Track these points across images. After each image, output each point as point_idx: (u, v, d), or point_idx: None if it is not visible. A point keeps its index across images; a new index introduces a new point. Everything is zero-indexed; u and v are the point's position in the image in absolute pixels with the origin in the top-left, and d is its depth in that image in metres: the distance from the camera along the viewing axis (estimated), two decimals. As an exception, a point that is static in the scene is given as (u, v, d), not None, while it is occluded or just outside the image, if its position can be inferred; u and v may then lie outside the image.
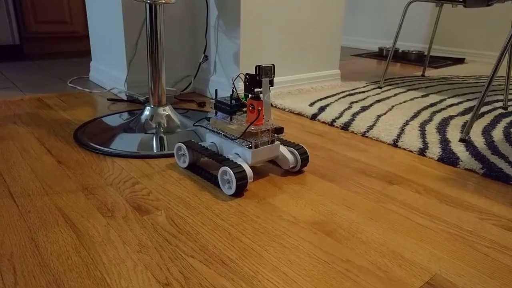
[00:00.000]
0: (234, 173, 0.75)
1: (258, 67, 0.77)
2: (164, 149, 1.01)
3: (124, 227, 0.67)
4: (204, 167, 0.88)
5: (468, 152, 1.00)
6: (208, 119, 0.89)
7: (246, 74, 0.80)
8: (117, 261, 0.58)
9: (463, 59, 2.59)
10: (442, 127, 1.19)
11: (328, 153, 1.02)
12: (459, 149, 1.02)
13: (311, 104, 1.40)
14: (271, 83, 0.80)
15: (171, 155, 0.98)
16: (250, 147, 0.79)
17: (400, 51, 2.73)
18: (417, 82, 1.87)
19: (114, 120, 1.23)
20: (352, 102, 1.44)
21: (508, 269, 0.59)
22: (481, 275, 0.58)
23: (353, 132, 1.18)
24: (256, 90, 0.79)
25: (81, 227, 0.66)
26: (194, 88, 1.59)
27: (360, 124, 1.20)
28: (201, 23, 1.50)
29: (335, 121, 1.24)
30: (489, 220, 0.72)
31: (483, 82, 1.90)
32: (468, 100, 1.54)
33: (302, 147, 0.89)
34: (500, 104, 1.48)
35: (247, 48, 1.38)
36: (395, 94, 1.60)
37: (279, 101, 1.43)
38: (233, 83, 0.83)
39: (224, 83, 1.46)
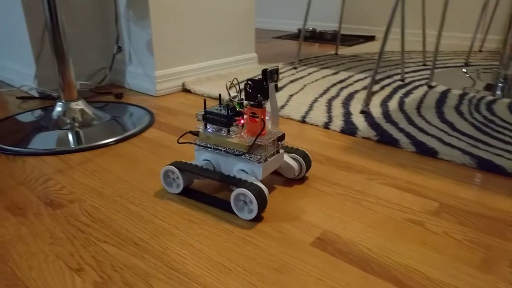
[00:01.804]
0: (254, 195, 0.66)
1: (265, 71, 0.68)
2: (82, 143, 1.01)
3: (35, 223, 0.68)
4: (200, 190, 0.78)
5: (366, 122, 1.12)
6: (194, 133, 0.78)
7: (248, 80, 0.70)
8: (28, 255, 0.60)
9: (374, 36, 2.79)
10: (347, 101, 1.31)
11: (242, 133, 1.08)
12: (358, 120, 1.13)
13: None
14: (276, 88, 0.72)
15: (89, 149, 0.98)
16: (260, 162, 0.71)
17: (317, 31, 2.86)
18: (330, 60, 2.00)
19: (25, 119, 1.19)
20: (268, 84, 1.52)
21: (386, 218, 0.69)
22: (364, 226, 0.67)
23: (266, 112, 1.25)
24: (259, 97, 0.70)
25: (-10, 228, 0.66)
26: (112, 80, 1.57)
27: (273, 104, 1.27)
28: (112, 13, 1.47)
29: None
30: (376, 180, 0.83)
31: (388, 57, 2.08)
32: (372, 75, 1.69)
33: (304, 151, 0.82)
34: (399, 76, 1.64)
35: (160, 36, 1.39)
36: (309, 74, 1.70)
37: (198, 87, 1.46)
38: (228, 92, 0.71)
39: (140, 73, 1.46)
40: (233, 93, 0.72)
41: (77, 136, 1.05)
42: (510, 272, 0.56)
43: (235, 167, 0.74)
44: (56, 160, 0.92)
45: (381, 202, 0.75)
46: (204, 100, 0.74)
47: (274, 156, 0.75)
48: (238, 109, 0.73)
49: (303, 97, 1.35)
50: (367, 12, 2.89)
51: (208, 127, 0.75)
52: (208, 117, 0.74)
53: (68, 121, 1.10)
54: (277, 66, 0.71)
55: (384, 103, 1.29)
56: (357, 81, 1.58)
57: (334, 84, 1.53)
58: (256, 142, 0.70)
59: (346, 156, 0.95)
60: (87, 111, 1.13)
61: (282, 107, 1.26)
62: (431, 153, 0.93)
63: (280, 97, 1.35)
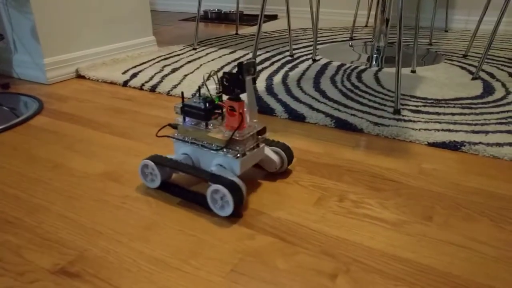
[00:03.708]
0: (230, 192, 0.64)
1: (240, 64, 0.66)
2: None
3: None
4: (179, 185, 0.76)
5: (250, 96, 1.22)
6: (173, 126, 0.76)
7: (224, 72, 0.69)
8: None
9: (276, 15, 2.92)
10: (237, 78, 1.40)
11: (133, 114, 1.12)
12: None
13: (124, 72, 1.47)
14: (254, 81, 0.70)
15: (-34, 141, 0.96)
16: (238, 157, 0.69)
17: (223, 12, 2.92)
18: (230, 40, 2.08)
19: None
20: (165, 66, 1.56)
21: (249, 177, 0.80)
22: (229, 184, 0.77)
23: (159, 92, 1.30)
24: (236, 90, 0.69)
25: None
26: (-2, 70, 1.50)
27: (166, 85, 1.33)
28: (-11, -1, 1.40)
29: (144, 85, 1.34)
30: (249, 145, 0.93)
31: (285, 35, 2.21)
32: (266, 52, 1.80)
33: (285, 144, 0.80)
34: (289, 52, 1.77)
35: (44, 22, 1.36)
36: (207, 54, 1.76)
37: (92, 73, 1.46)
38: (205, 84, 0.71)
39: (28, 61, 1.42)
40: (212, 85, 0.72)
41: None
42: (336, 205, 0.69)
43: (213, 162, 0.72)
44: None
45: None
46: (182, 93, 0.74)
47: (254, 150, 0.72)
48: (217, 102, 0.71)
49: (196, 76, 1.42)
50: (269, -8, 3.00)
51: (186, 120, 0.74)
52: (186, 110, 0.72)
53: None
54: (254, 59, 0.68)
55: (270, 78, 1.40)
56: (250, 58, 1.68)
57: (229, 63, 1.61)
58: (233, 137, 0.68)
59: (227, 127, 1.03)
60: (-36, 103, 1.09)
61: (175, 86, 1.31)
62: (300, 118, 1.06)
63: (175, 78, 1.40)
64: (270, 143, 0.81)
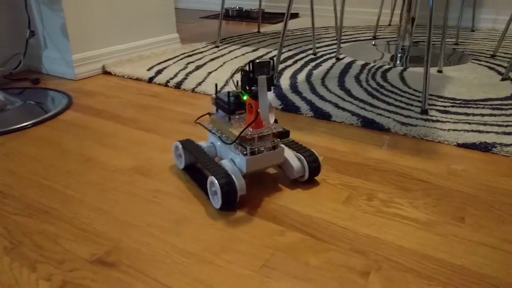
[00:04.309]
0: (220, 185, 0.65)
1: (252, 63, 0.64)
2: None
3: None
4: (201, 171, 0.80)
5: (274, 94, 1.22)
6: (211, 115, 0.79)
7: (242, 69, 0.68)
8: None
9: (297, 13, 2.91)
10: (260, 76, 1.40)
11: (158, 110, 1.14)
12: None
13: (149, 69, 1.49)
14: (270, 81, 0.67)
15: (2, 133, 0.99)
16: (245, 154, 0.69)
17: (244, 10, 2.92)
18: (252, 38, 2.08)
19: None
20: (189, 63, 1.58)
21: (278, 174, 0.80)
22: (253, 182, 0.77)
23: (184, 89, 1.32)
24: (253, 88, 0.67)
25: None
26: (28, 66, 1.54)
27: (191, 82, 1.34)
28: (21, -4, 1.44)
29: (169, 82, 1.36)
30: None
31: (308, 33, 2.21)
32: (289, 50, 1.80)
33: (312, 152, 0.75)
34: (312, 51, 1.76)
35: (74, 19, 1.39)
36: (230, 52, 1.77)
37: (118, 69, 1.48)
38: (232, 79, 0.72)
39: (57, 57, 1.45)
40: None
41: (-10, 123, 1.05)
42: (365, 204, 0.69)
43: (228, 156, 0.74)
44: (-32, 147, 0.93)
45: (276, 160, 0.85)
46: (216, 85, 0.76)
47: (269, 152, 0.70)
48: (245, 98, 0.70)
49: (220, 74, 1.43)
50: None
51: (219, 112, 0.76)
52: (217, 102, 0.75)
53: (-20, 108, 1.09)
54: (271, 59, 0.66)
55: (294, 76, 1.40)
56: (274, 56, 1.68)
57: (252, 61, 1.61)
58: (243, 134, 0.68)
59: (253, 124, 1.04)
60: (-1, 97, 1.13)
61: (200, 84, 1.33)
62: (326, 117, 1.06)
63: (199, 75, 1.42)
64: (296, 148, 0.77)
